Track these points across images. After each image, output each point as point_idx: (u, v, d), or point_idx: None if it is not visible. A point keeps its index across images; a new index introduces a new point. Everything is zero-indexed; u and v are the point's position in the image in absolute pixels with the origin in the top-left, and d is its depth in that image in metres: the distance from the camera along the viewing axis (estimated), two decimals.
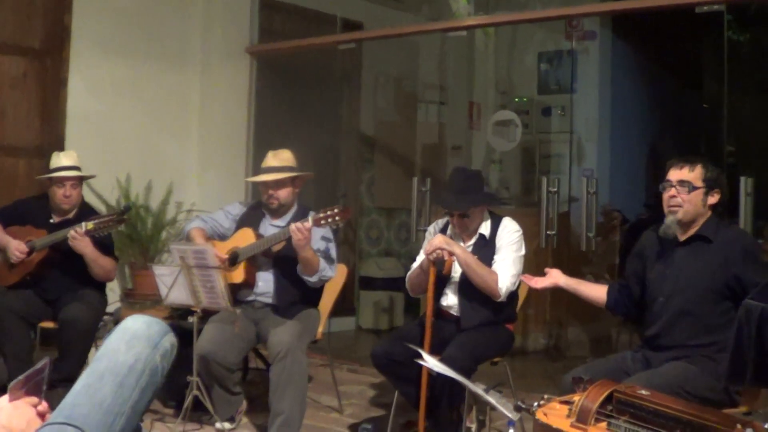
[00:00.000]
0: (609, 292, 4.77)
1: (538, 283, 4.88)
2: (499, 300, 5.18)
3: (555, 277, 4.84)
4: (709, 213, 4.39)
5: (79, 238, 5.67)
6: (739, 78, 10.39)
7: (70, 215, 6.06)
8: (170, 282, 5.23)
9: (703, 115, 12.42)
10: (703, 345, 4.22)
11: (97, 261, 5.87)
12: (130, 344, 2.49)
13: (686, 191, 4.33)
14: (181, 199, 8.36)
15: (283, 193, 5.77)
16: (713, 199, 4.37)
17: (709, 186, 4.34)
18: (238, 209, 6.04)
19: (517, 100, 11.23)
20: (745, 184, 6.12)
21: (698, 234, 4.37)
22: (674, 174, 4.39)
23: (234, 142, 8.88)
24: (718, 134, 10.04)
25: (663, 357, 4.31)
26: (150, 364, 2.49)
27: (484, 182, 5.55)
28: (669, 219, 4.39)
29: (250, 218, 5.91)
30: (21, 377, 2.43)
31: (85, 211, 6.11)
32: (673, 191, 4.36)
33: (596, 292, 4.82)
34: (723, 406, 3.98)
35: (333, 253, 5.68)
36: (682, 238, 4.41)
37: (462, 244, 5.34)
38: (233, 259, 5.64)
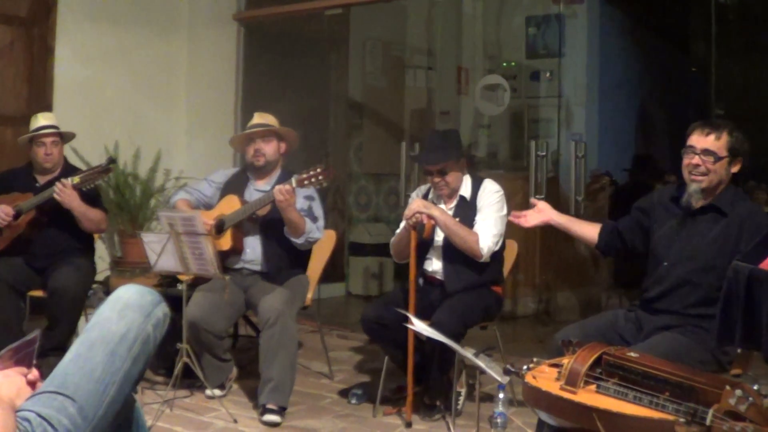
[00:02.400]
0: (601, 233, 4.68)
1: (529, 220, 4.79)
2: (482, 260, 5.19)
3: (547, 214, 4.76)
4: (729, 181, 4.27)
5: (66, 191, 5.68)
6: (727, 41, 10.39)
7: (55, 173, 6.06)
8: (159, 249, 5.22)
9: (691, 78, 12.45)
10: (699, 316, 4.15)
11: (86, 214, 5.88)
12: (122, 314, 2.48)
13: (711, 161, 4.17)
14: (169, 167, 8.33)
15: (270, 149, 5.78)
16: (736, 167, 4.24)
17: (733, 155, 4.20)
18: (221, 177, 6.05)
19: (505, 64, 11.20)
20: None
21: (713, 204, 4.24)
22: (698, 140, 4.22)
23: (222, 109, 8.86)
24: (707, 97, 10.06)
25: (657, 321, 4.26)
26: (142, 334, 2.49)
27: (460, 140, 5.56)
28: (692, 187, 4.23)
29: (235, 185, 5.91)
30: (12, 347, 2.43)
31: (69, 169, 6.11)
32: (697, 159, 4.20)
33: (588, 231, 4.71)
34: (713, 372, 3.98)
35: (317, 211, 5.67)
36: (697, 205, 4.28)
37: (443, 206, 5.35)
38: (219, 227, 5.64)
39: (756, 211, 4.25)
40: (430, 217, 5.12)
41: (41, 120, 6.08)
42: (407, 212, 5.16)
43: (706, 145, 4.20)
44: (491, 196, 5.33)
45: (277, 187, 5.26)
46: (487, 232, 5.19)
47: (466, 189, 5.40)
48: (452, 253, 5.26)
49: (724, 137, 4.19)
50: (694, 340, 4.09)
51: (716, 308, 3.96)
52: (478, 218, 5.26)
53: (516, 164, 10.37)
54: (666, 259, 4.37)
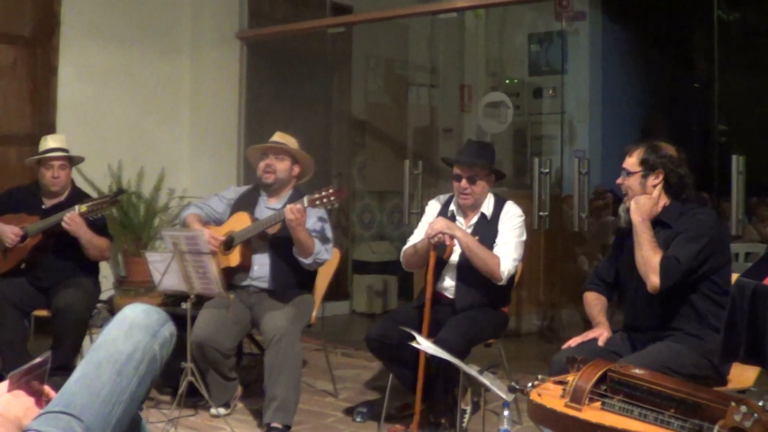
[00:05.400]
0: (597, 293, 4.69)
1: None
2: (500, 284, 5.19)
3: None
4: (664, 195, 4.31)
5: (75, 220, 5.68)
6: (729, 57, 10.40)
7: (62, 198, 6.06)
8: (163, 268, 5.23)
9: (694, 95, 12.44)
10: (680, 326, 4.19)
11: (92, 242, 5.88)
12: (129, 333, 2.48)
13: (624, 178, 4.35)
14: (173, 186, 8.34)
15: (282, 167, 5.79)
16: (655, 181, 4.29)
17: (648, 168, 4.28)
18: (233, 193, 6.05)
19: (507, 81, 11.23)
20: (736, 163, 6.13)
21: (659, 219, 4.29)
22: (624, 162, 4.40)
23: (225, 127, 8.87)
24: (710, 113, 10.05)
25: (647, 336, 4.30)
26: (149, 353, 2.48)
27: (494, 154, 5.56)
28: (621, 207, 4.40)
29: (246, 202, 5.91)
30: (23, 368, 2.43)
31: (77, 194, 6.12)
32: (620, 179, 4.40)
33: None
34: (711, 382, 3.99)
35: (328, 233, 5.67)
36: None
37: (463, 221, 5.36)
38: (229, 243, 5.64)
39: (697, 213, 4.26)
40: (452, 237, 5.11)
41: (50, 142, 6.07)
42: (429, 231, 5.14)
43: (623, 165, 4.39)
44: (514, 221, 5.33)
45: (289, 205, 5.27)
46: (508, 257, 5.19)
47: (488, 207, 5.40)
48: (467, 272, 5.26)
49: (637, 153, 4.34)
50: (686, 346, 4.11)
51: (695, 312, 4.14)
52: (500, 241, 5.26)
53: (519, 181, 10.36)
54: (630, 283, 4.40)
